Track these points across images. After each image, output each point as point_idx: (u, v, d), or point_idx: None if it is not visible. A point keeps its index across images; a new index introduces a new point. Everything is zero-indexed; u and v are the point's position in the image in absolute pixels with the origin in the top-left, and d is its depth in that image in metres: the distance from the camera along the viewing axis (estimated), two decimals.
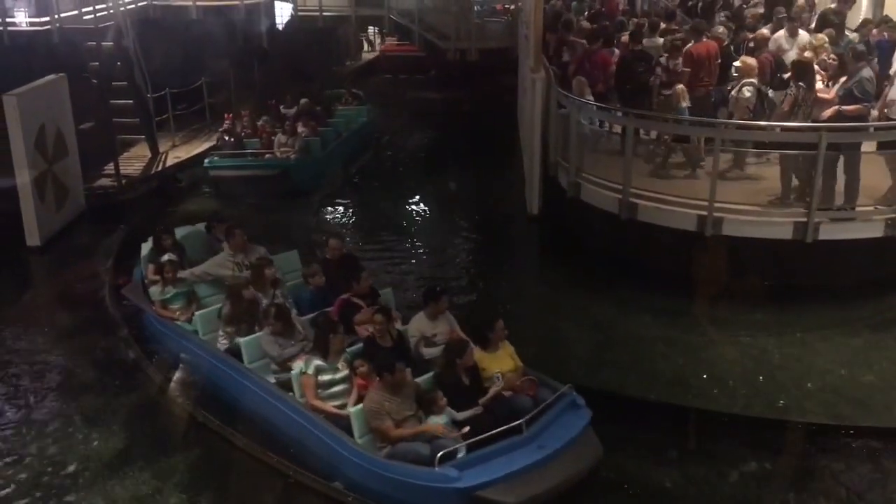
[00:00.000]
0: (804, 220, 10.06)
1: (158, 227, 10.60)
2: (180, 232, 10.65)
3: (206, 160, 15.55)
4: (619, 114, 11.90)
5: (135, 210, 14.41)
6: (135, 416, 8.54)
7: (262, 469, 7.54)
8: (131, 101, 16.48)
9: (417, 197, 15.56)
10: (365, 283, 8.90)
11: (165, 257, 9.73)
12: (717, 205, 10.28)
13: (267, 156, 15.40)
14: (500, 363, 7.63)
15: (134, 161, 16.43)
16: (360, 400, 7.44)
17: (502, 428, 6.88)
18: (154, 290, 9.69)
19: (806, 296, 10.26)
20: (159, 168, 16.30)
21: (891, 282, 10.58)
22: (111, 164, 15.22)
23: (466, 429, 7.04)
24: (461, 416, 7.19)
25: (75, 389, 9.05)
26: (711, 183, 10.32)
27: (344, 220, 14.91)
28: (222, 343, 8.77)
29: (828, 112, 10.34)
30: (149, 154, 16.76)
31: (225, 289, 9.21)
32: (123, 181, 15.13)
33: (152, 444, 8.04)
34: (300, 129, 15.89)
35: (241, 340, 8.46)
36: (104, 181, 15.18)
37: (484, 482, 6.55)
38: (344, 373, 7.68)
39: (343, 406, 7.53)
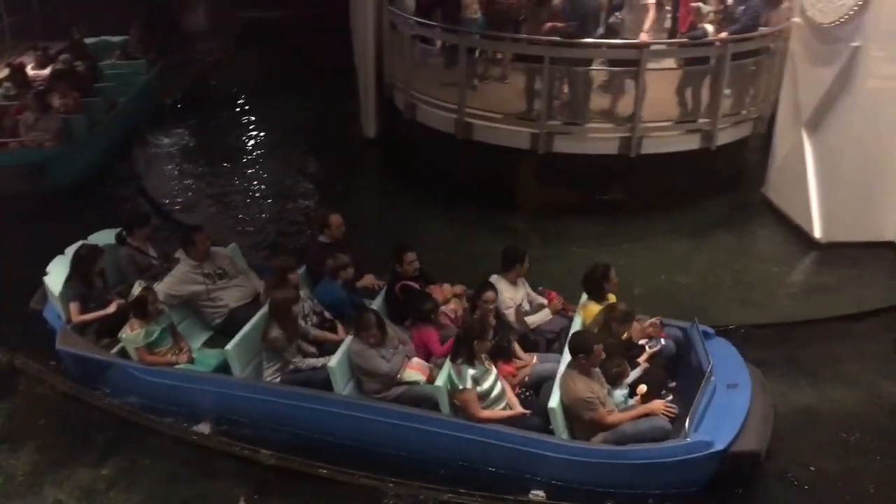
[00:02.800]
0: (629, 135, 10.50)
1: (80, 248, 7.80)
2: (88, 240, 8.14)
3: None
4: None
5: None
6: None
7: None
8: None
9: (250, 128, 14.86)
10: (410, 265, 7.68)
11: (137, 286, 7.20)
12: (547, 123, 10.53)
13: (11, 145, 11.30)
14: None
15: None
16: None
17: (708, 380, 6.51)
18: (132, 336, 7.10)
19: (633, 207, 10.84)
20: None
21: (707, 191, 11.34)
22: None
23: (644, 388, 6.61)
24: (630, 379, 6.68)
25: None
26: (541, 103, 10.53)
27: (170, 164, 13.29)
28: (272, 375, 7.06)
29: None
30: None
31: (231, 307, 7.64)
32: None
33: None
34: (56, 102, 11.77)
35: (331, 364, 6.76)
36: None
37: (733, 437, 6.22)
38: (494, 372, 6.68)
39: (506, 407, 6.65)
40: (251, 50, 19.82)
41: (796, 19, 10.39)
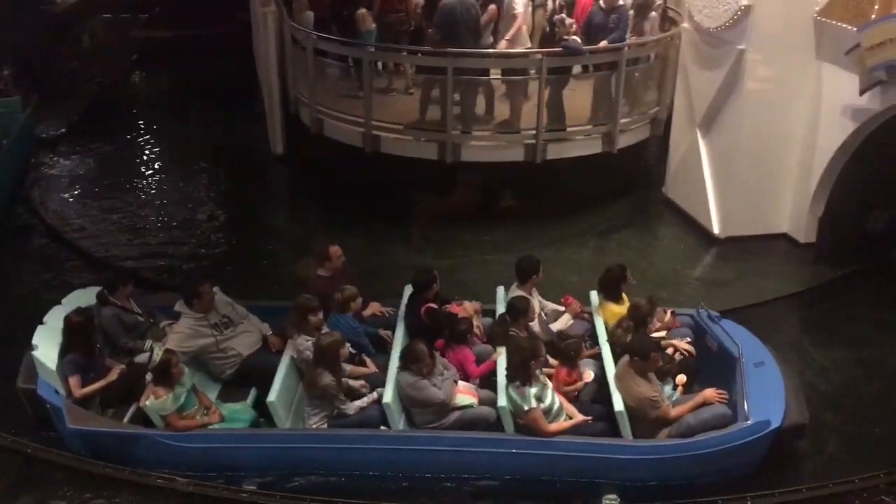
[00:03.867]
0: (533, 142, 10.73)
1: (72, 316, 7.09)
2: (59, 312, 7.40)
3: None
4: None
5: None
6: None
7: None
8: None
9: (153, 150, 14.39)
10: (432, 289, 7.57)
11: (158, 349, 6.84)
12: (453, 133, 10.65)
13: None
14: (624, 312, 7.42)
15: None
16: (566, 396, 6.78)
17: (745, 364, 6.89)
18: (159, 403, 6.54)
19: (541, 213, 11.08)
20: None
21: (611, 193, 11.69)
22: None
23: (683, 378, 6.89)
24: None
25: None
26: (447, 112, 10.64)
27: (70, 191, 12.62)
28: (320, 422, 6.77)
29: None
30: None
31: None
32: None
33: None
34: None
35: (387, 401, 6.59)
36: None
37: (784, 414, 6.51)
38: (550, 385, 6.70)
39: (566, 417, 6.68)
40: (150, 70, 19.32)
41: (685, 25, 10.86)
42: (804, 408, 6.77)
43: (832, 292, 9.67)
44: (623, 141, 11.25)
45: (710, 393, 6.67)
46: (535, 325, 7.38)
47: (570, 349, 6.92)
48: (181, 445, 6.60)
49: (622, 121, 11.09)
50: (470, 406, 6.74)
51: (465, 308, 7.61)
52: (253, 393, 7.24)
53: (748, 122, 9.99)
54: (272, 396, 6.66)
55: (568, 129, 10.99)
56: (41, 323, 7.23)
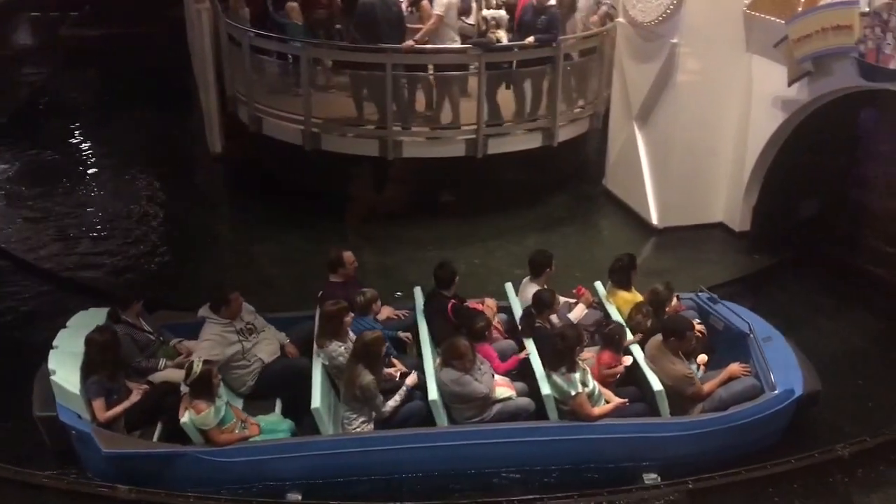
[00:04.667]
0: (474, 137, 10.77)
1: (95, 336, 6.74)
2: (68, 335, 7.07)
3: None
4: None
5: None
6: None
7: None
8: None
9: (87, 151, 14.00)
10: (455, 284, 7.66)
11: (198, 362, 6.38)
12: (394, 129, 10.62)
13: None
14: (635, 299, 7.65)
15: None
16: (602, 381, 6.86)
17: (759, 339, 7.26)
18: (202, 418, 6.28)
19: (483, 207, 11.12)
20: None
21: (553, 186, 11.81)
22: None
23: (704, 357, 7.15)
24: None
25: None
26: (388, 109, 10.60)
27: None
28: (361, 426, 6.63)
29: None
30: None
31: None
32: None
33: None
34: None
35: (433, 398, 6.58)
36: None
37: (802, 382, 6.89)
38: (589, 371, 6.79)
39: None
40: (80, 70, 18.79)
41: (620, 19, 11.03)
42: (816, 376, 7.12)
43: (767, 279, 9.95)
44: (563, 135, 11.38)
45: (735, 367, 6.98)
46: (553, 317, 7.51)
47: (614, 334, 7.04)
48: (225, 461, 6.35)
49: (561, 115, 11.19)
50: (509, 398, 6.81)
51: (488, 305, 7.67)
52: (279, 403, 7.06)
53: (682, 114, 10.19)
54: (316, 403, 6.49)
55: (508, 124, 11.05)
56: (52, 347, 6.86)
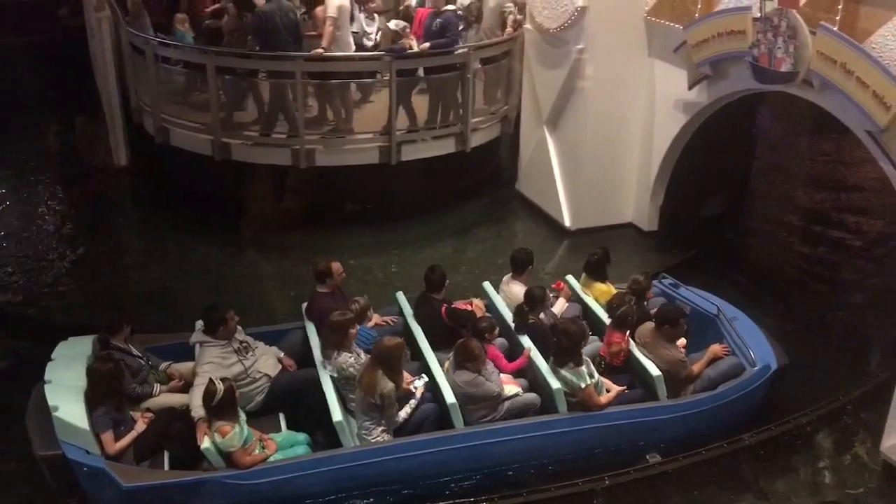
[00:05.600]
0: (387, 144, 10.76)
1: (98, 365, 6.44)
2: (57, 367, 6.67)
3: None
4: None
5: None
6: None
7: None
8: None
9: None
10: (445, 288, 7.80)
11: (218, 383, 6.09)
12: (307, 138, 10.52)
13: None
14: (610, 290, 8.07)
15: None
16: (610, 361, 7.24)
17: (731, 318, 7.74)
18: (228, 440, 6.04)
19: (398, 214, 11.12)
20: None
21: (467, 191, 11.90)
22: None
23: (683, 341, 7.38)
24: None
25: None
26: (299, 118, 10.49)
27: None
28: (381, 435, 6.53)
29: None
30: None
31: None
32: None
33: None
34: None
35: (451, 401, 6.58)
36: None
37: (777, 356, 7.33)
38: (589, 361, 7.01)
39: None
40: None
41: (528, 26, 11.22)
42: (782, 351, 7.50)
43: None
44: (475, 140, 11.49)
45: (717, 348, 7.42)
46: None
47: (626, 315, 7.28)
48: (251, 483, 6.10)
49: (473, 120, 11.31)
50: (517, 395, 6.95)
51: (477, 305, 7.80)
52: (282, 419, 6.86)
53: (590, 118, 10.44)
54: (338, 416, 6.40)
55: (421, 130, 11.09)
56: (45, 382, 6.45)
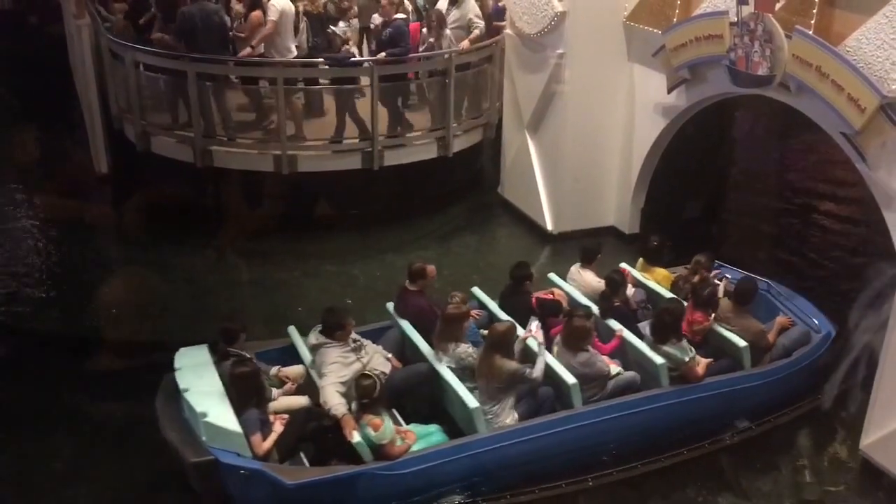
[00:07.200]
0: (370, 149, 10.79)
1: (243, 366, 6.55)
2: (187, 373, 6.79)
3: None
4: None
5: None
6: None
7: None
8: None
9: None
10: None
11: (373, 374, 6.38)
12: (289, 144, 10.54)
13: None
14: (669, 274, 8.58)
15: None
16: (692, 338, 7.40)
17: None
18: (381, 433, 6.23)
19: (381, 219, 11.14)
20: None
21: (450, 196, 11.95)
22: None
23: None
24: None
25: None
26: (280, 123, 10.51)
27: None
28: (510, 418, 6.72)
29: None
30: None
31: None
32: None
33: None
34: None
35: (572, 382, 6.75)
36: None
37: (829, 323, 7.88)
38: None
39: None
40: None
41: (508, 31, 11.28)
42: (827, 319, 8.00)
43: None
44: (457, 145, 11.54)
45: (783, 319, 7.86)
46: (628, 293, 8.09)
47: (711, 295, 7.61)
48: (398, 474, 6.30)
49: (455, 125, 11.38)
50: (619, 374, 7.16)
51: (559, 294, 8.16)
52: (396, 413, 6.90)
53: (571, 122, 10.50)
54: (474, 403, 6.54)
55: (405, 136, 11.13)
56: (183, 391, 6.50)
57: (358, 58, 11.30)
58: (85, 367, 8.19)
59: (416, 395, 7.10)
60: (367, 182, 11.03)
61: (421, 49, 11.51)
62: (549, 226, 11.08)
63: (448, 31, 11.48)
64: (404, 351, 7.49)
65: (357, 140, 10.88)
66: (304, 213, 10.94)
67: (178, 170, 10.98)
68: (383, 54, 10.76)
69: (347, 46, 10.94)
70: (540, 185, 11.14)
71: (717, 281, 8.24)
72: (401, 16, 10.89)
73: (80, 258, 10.71)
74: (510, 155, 11.79)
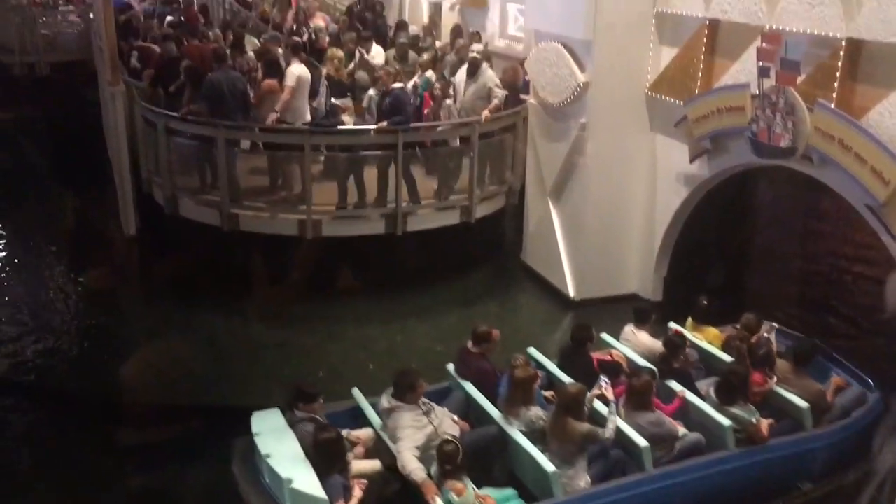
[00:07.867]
0: (394, 214, 10.90)
1: (327, 432, 6.53)
2: (266, 438, 6.80)
3: None
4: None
5: None
6: None
7: None
8: None
9: None
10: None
11: (453, 440, 6.48)
12: (314, 208, 10.68)
13: None
14: (719, 334, 8.59)
15: None
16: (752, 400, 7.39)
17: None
18: (464, 499, 6.25)
19: (404, 284, 11.16)
20: None
21: (472, 262, 11.99)
22: None
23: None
24: None
25: None
26: (306, 187, 10.68)
27: None
28: (585, 481, 6.71)
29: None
30: None
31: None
32: None
33: None
34: None
35: (644, 445, 6.78)
36: None
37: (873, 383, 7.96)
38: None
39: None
40: None
41: (531, 100, 11.47)
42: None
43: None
44: (480, 211, 11.63)
45: (838, 380, 7.92)
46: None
47: (768, 355, 7.70)
48: None
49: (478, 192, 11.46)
50: (684, 435, 7.15)
51: (618, 356, 8.11)
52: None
53: (593, 190, 10.58)
54: (550, 468, 6.52)
55: (426, 202, 11.25)
56: (265, 457, 6.51)
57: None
58: (119, 437, 8.20)
59: (486, 459, 7.02)
60: (391, 247, 11.11)
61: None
62: (572, 292, 11.06)
63: (449, 102, 11.69)
64: (468, 413, 7.44)
65: (377, 206, 10.99)
66: (328, 276, 11.01)
67: (205, 233, 11.13)
68: (384, 123, 10.93)
69: (342, 115, 11.20)
70: (562, 252, 11.17)
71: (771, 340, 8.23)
72: (398, 85, 11.11)
73: (103, 318, 10.84)
74: (533, 221, 11.85)
